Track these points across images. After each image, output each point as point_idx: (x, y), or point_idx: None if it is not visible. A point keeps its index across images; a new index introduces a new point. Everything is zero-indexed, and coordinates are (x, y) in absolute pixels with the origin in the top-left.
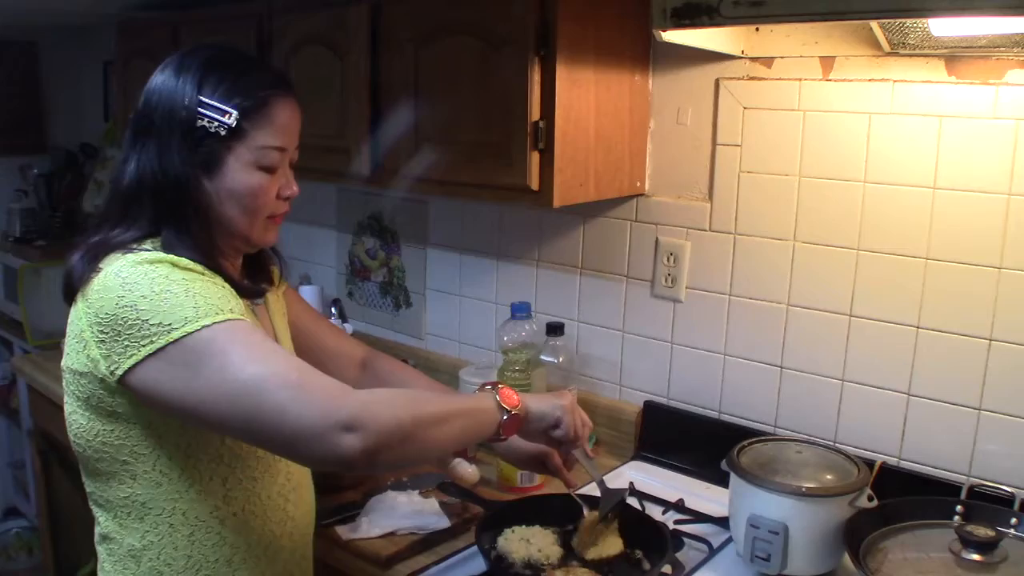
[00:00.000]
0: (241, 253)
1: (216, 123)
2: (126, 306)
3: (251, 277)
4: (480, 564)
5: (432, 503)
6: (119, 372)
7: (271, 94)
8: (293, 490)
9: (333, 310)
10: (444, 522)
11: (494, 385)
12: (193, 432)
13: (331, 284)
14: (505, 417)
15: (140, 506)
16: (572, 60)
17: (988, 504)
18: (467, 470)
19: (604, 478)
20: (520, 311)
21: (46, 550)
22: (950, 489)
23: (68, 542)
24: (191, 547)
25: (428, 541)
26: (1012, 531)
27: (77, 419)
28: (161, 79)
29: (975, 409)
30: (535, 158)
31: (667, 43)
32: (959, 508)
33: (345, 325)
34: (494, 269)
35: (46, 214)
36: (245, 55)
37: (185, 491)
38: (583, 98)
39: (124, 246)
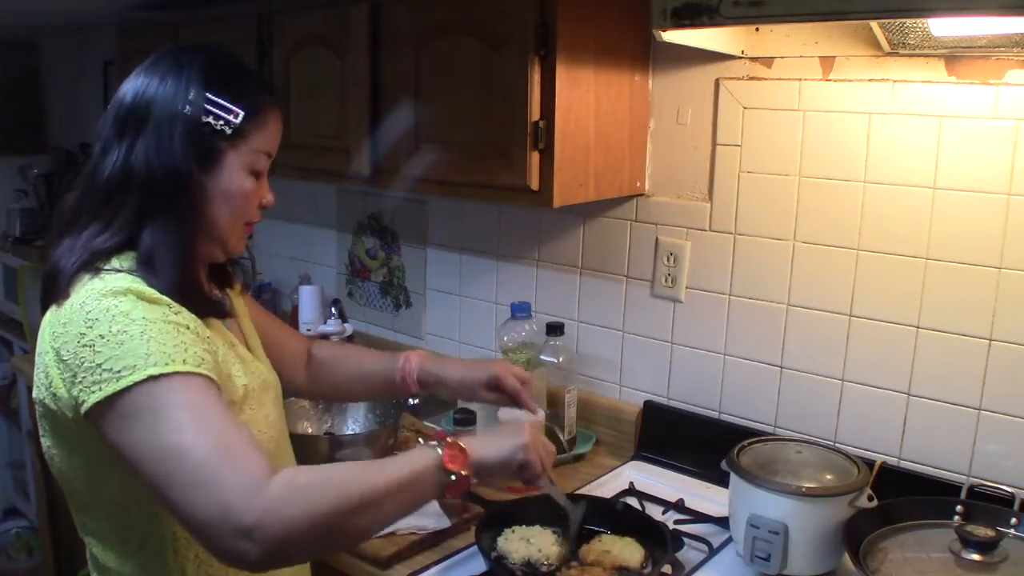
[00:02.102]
0: (210, 262)
1: (222, 121)
2: (85, 346)
3: (216, 281)
4: (480, 564)
5: (432, 503)
6: (82, 413)
7: (268, 101)
8: None
9: (333, 310)
10: (444, 522)
11: (441, 439)
12: None
13: (331, 284)
14: (453, 478)
15: (137, 535)
16: (572, 60)
17: (988, 504)
18: None
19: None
20: (520, 311)
21: (46, 550)
22: (950, 489)
23: (68, 542)
24: (199, 570)
25: (428, 541)
26: (1012, 531)
27: (57, 454)
28: (156, 76)
29: (975, 409)
30: (535, 158)
31: (667, 43)
32: (959, 508)
33: (345, 325)
34: (494, 269)
35: (46, 214)
36: (241, 60)
37: None
38: (583, 98)
39: (96, 262)
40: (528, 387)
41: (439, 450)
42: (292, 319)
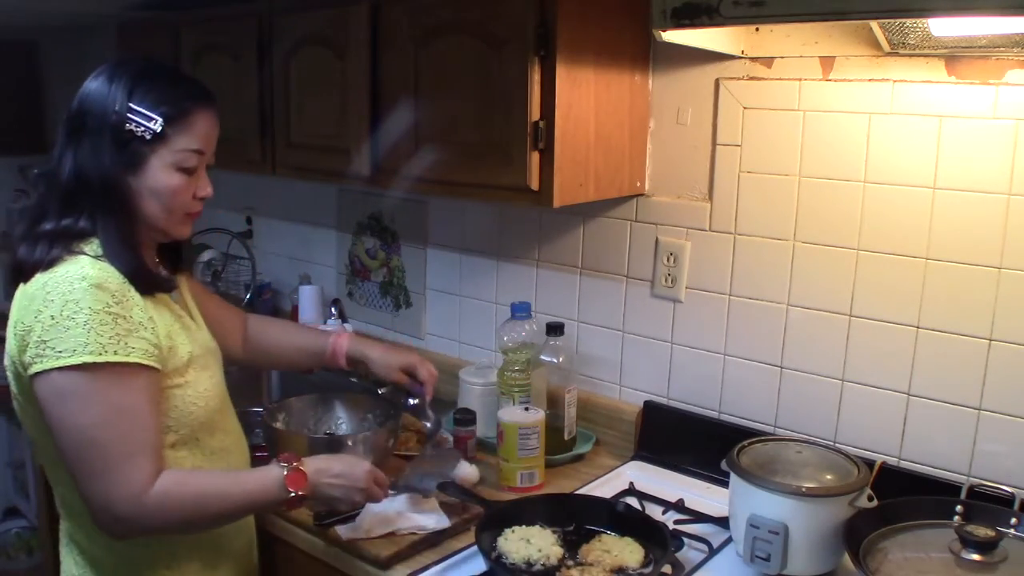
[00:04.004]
0: (157, 243)
1: (143, 128)
2: (38, 321)
3: (168, 261)
4: (480, 564)
5: (432, 503)
6: (26, 377)
7: (193, 104)
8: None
9: (333, 310)
10: (444, 522)
11: (290, 462)
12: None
13: (331, 284)
14: (288, 497)
15: None
16: (572, 60)
17: (988, 504)
18: (467, 470)
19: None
20: (520, 311)
21: (46, 550)
22: (950, 489)
23: None
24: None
25: (428, 541)
26: (1012, 531)
27: (24, 411)
28: (94, 85)
29: (975, 409)
30: (535, 158)
31: (667, 43)
32: (959, 508)
33: (345, 325)
34: (494, 269)
35: None
36: (173, 68)
37: None
38: (583, 98)
39: (66, 246)
40: (434, 382)
41: (284, 478)
42: (292, 319)
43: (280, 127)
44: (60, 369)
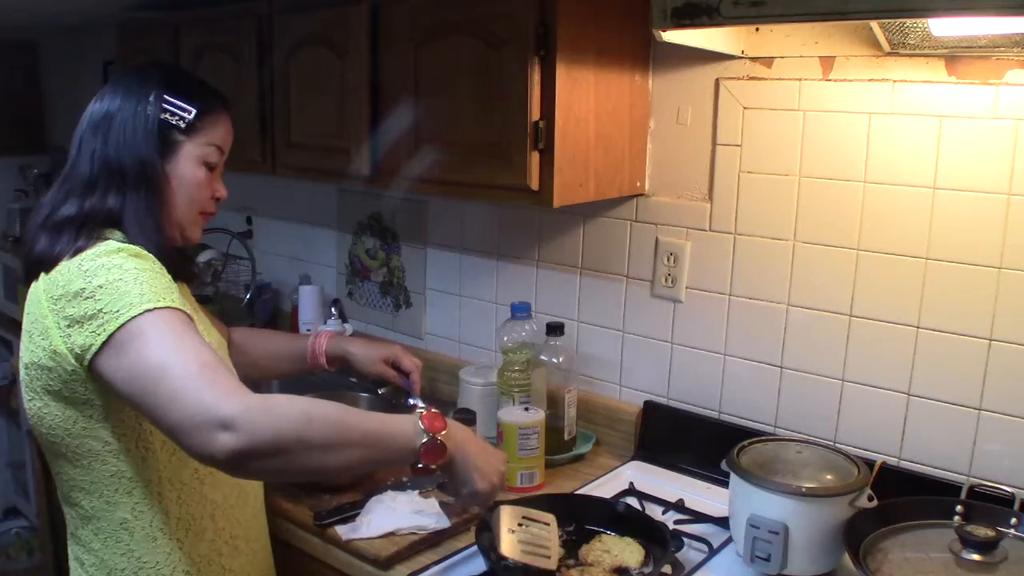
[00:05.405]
0: (171, 244)
1: (178, 117)
2: (87, 298)
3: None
4: (480, 564)
5: (432, 503)
6: (86, 362)
7: (219, 105)
8: None
9: (333, 310)
10: (444, 522)
11: (428, 409)
12: None
13: (331, 284)
14: (424, 440)
15: (127, 480)
16: (572, 60)
17: (988, 504)
18: None
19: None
20: (520, 311)
21: (46, 550)
22: (950, 489)
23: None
24: (180, 509)
25: (428, 541)
26: (1012, 531)
27: (51, 411)
28: (124, 84)
29: (975, 409)
30: (535, 158)
31: (667, 43)
32: (959, 508)
33: (345, 325)
34: (494, 269)
35: None
36: (198, 76)
37: (168, 459)
38: (583, 98)
39: (88, 232)
40: (419, 371)
41: (419, 419)
42: (292, 319)
43: (280, 127)
44: (122, 326)
